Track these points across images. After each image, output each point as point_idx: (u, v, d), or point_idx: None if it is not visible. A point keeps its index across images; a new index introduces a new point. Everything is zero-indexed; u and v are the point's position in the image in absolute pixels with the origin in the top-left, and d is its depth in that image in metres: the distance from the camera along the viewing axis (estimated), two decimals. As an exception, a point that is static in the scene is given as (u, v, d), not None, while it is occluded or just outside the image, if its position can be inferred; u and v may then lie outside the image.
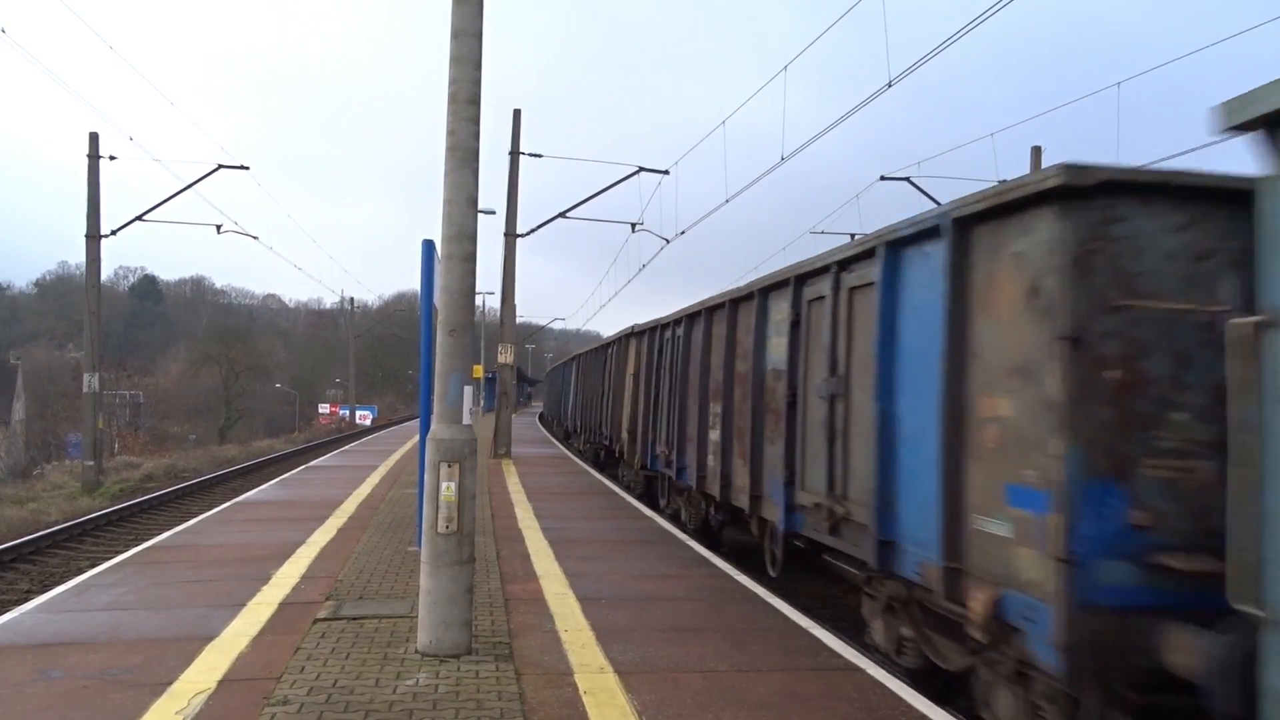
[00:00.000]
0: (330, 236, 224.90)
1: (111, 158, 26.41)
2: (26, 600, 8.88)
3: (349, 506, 14.60)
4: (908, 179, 23.48)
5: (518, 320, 26.90)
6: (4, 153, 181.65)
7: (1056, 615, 4.80)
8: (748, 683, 6.12)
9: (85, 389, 25.88)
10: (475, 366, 9.28)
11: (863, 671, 6.45)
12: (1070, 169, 4.88)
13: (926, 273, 6.35)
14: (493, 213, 26.95)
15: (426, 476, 6.63)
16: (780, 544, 9.80)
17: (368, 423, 67.45)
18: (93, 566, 11.25)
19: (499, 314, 27.41)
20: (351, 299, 74.76)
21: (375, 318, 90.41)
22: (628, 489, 18.45)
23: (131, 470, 29.89)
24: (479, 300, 58.40)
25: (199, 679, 5.93)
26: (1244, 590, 3.70)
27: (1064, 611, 4.76)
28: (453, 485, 6.46)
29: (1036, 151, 23.05)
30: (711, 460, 11.64)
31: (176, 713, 5.34)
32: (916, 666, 6.76)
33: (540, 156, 26.09)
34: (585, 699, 5.72)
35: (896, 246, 6.80)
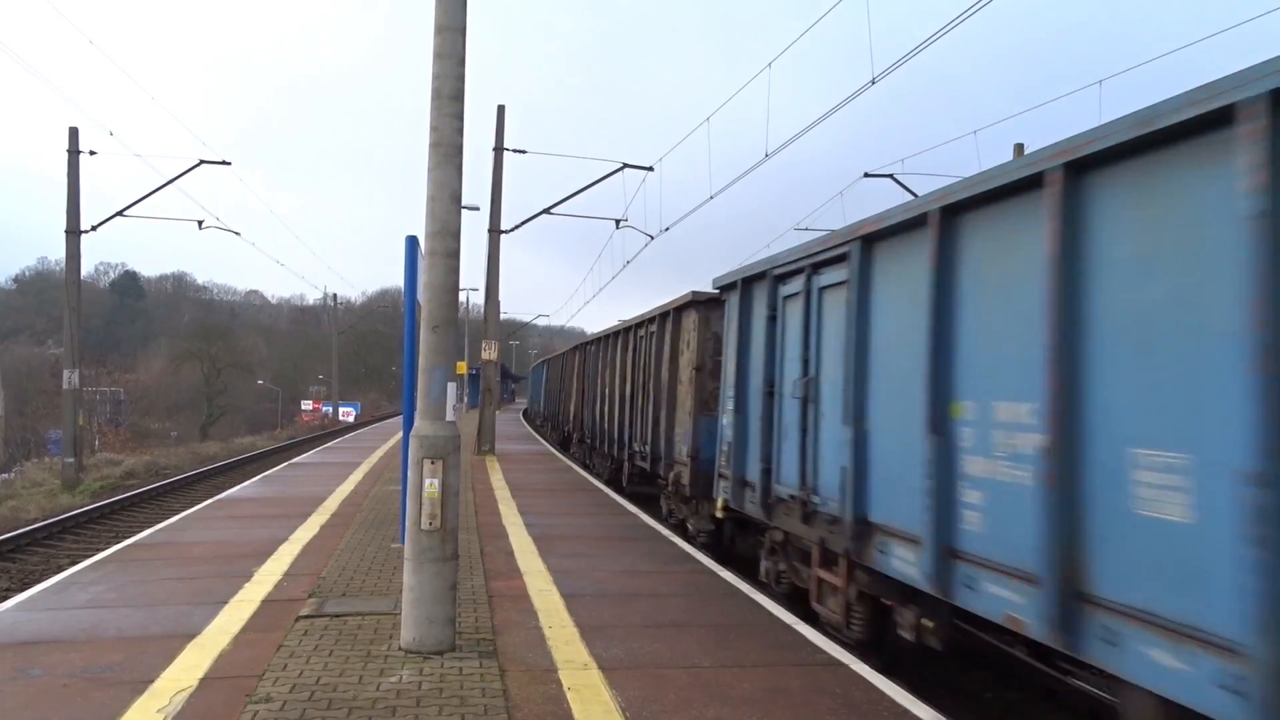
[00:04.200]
0: (313, 232, 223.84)
1: (91, 153, 26.28)
2: (6, 598, 8.80)
3: (332, 504, 14.55)
4: (891, 176, 23.56)
5: (502, 317, 26.86)
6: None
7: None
8: (731, 678, 6.14)
9: (65, 385, 25.68)
10: (459, 363, 9.27)
11: (846, 667, 6.48)
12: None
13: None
14: (476, 209, 26.98)
15: (410, 473, 6.62)
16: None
17: (351, 420, 67.22)
18: (73, 564, 11.18)
19: (483, 310, 27.37)
20: (334, 295, 74.58)
21: (358, 314, 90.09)
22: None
23: (112, 467, 29.67)
24: (463, 296, 58.35)
25: (181, 677, 5.90)
26: None
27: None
28: (436, 482, 6.44)
29: (1020, 149, 23.17)
30: None
31: (158, 711, 5.31)
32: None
33: (524, 153, 26.06)
34: (569, 695, 5.72)
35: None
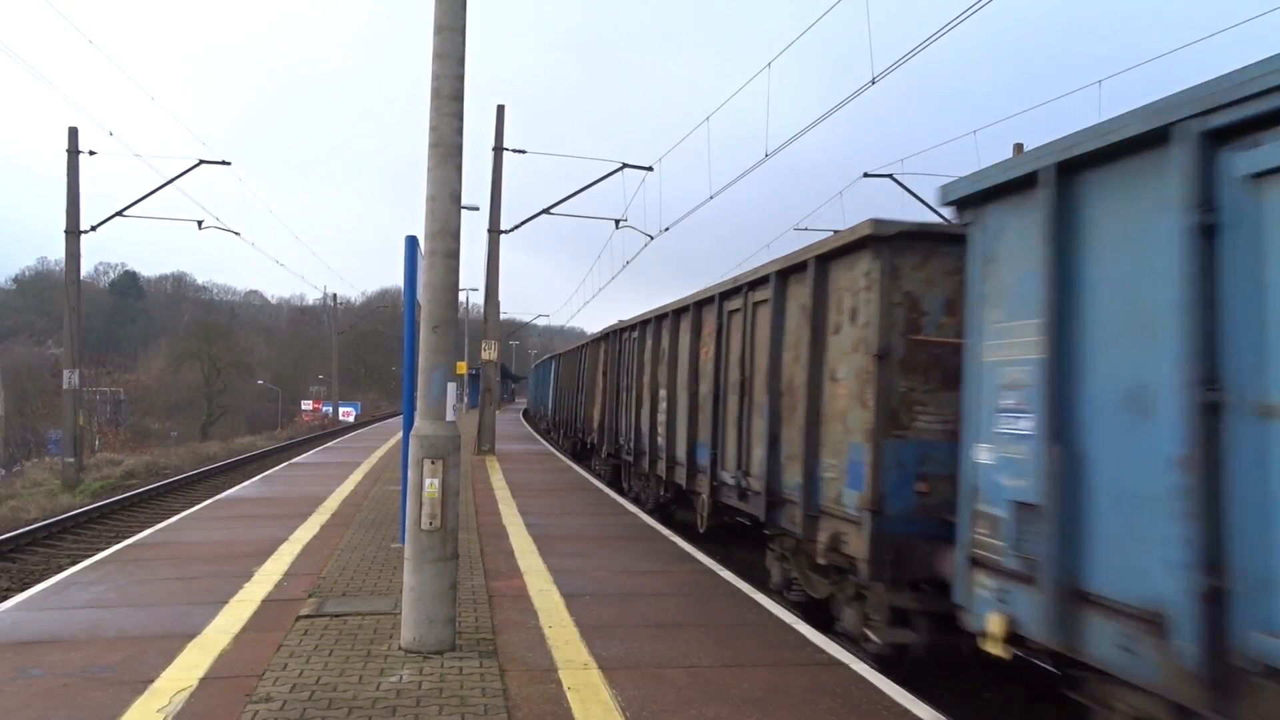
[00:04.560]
0: (313, 232, 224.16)
1: (91, 153, 26.24)
2: (6, 598, 8.80)
3: (332, 503, 14.55)
4: (891, 176, 23.56)
5: (502, 317, 26.87)
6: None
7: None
8: (731, 678, 6.14)
9: (65, 385, 25.68)
10: (459, 363, 9.24)
11: (846, 666, 6.48)
12: None
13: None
14: (476, 209, 27.00)
15: (410, 473, 6.62)
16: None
17: (351, 420, 67.22)
18: (73, 564, 11.18)
19: (483, 310, 27.38)
20: (334, 295, 74.60)
21: (358, 314, 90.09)
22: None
23: (112, 467, 29.68)
24: (463, 297, 58.38)
25: (181, 677, 5.91)
26: None
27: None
28: (436, 482, 6.45)
29: (1019, 149, 23.17)
30: None
31: (158, 710, 5.31)
32: None
33: (524, 152, 26.06)
34: (569, 695, 5.72)
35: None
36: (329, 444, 32.54)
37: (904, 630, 7.19)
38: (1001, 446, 5.59)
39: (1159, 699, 4.45)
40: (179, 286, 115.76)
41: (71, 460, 25.46)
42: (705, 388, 12.06)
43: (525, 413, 63.58)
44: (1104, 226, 4.90)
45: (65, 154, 25.31)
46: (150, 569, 9.37)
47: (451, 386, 6.69)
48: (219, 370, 74.18)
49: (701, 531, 12.19)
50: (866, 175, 23.61)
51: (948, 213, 6.60)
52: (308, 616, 7.46)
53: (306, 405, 78.65)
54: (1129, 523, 4.58)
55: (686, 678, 6.12)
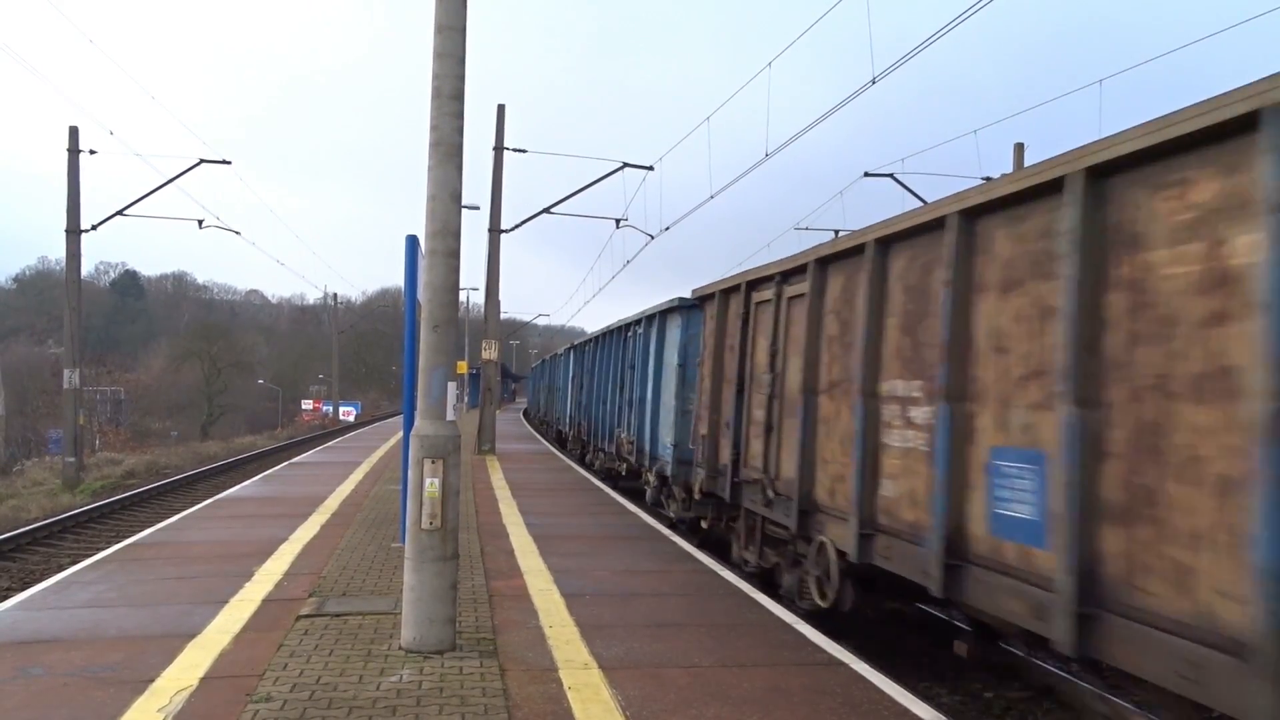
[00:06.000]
0: (313, 232, 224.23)
1: (91, 152, 26.25)
2: (6, 598, 8.80)
3: (332, 503, 14.55)
4: (892, 175, 23.56)
5: (502, 316, 26.87)
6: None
7: None
8: (732, 678, 6.14)
9: (65, 385, 25.69)
10: (459, 363, 9.24)
11: (846, 666, 6.48)
12: None
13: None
14: (477, 208, 26.99)
15: (410, 473, 6.62)
16: None
17: (351, 419, 67.24)
18: (73, 563, 11.18)
19: (483, 310, 27.40)
20: (335, 294, 74.64)
21: (359, 313, 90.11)
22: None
23: (113, 467, 29.70)
24: (463, 296, 58.35)
25: (181, 676, 5.91)
26: None
27: None
28: (436, 481, 6.45)
29: (1020, 148, 23.18)
30: None
31: (158, 710, 5.31)
32: None
33: (524, 152, 26.05)
34: (570, 695, 5.72)
35: None
36: (329, 444, 32.55)
37: None
38: None
39: None
40: (179, 286, 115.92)
41: (72, 460, 25.47)
42: None
43: (525, 412, 63.58)
44: None
45: (66, 153, 25.34)
46: (151, 568, 9.37)
47: (452, 386, 6.69)
48: (219, 370, 74.30)
49: None
50: (867, 175, 23.62)
51: None
52: (308, 616, 7.46)
53: (307, 405, 78.69)
54: None
55: (687, 677, 6.12)
